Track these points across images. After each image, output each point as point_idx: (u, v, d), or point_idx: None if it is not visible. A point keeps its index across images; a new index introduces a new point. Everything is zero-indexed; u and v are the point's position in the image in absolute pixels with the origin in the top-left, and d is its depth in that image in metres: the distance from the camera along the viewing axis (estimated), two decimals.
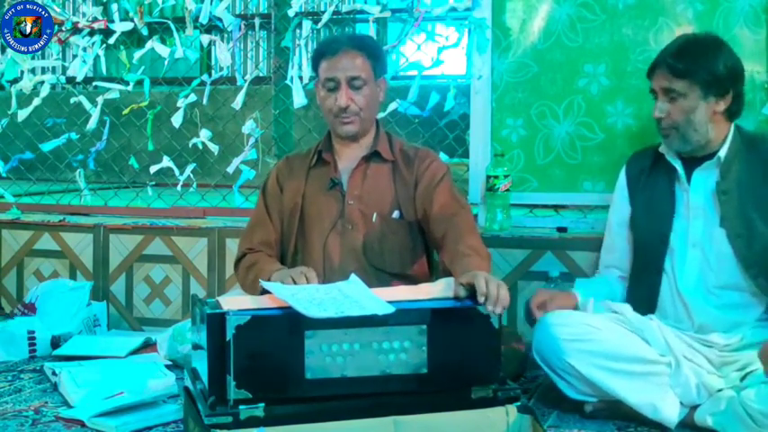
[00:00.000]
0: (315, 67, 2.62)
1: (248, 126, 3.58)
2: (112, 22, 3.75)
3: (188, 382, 2.17)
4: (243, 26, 3.69)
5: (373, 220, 2.56)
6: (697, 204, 2.39)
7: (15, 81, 3.88)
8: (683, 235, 2.40)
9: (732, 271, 2.34)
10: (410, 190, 2.58)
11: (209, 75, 3.73)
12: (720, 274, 2.36)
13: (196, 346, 2.11)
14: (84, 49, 3.80)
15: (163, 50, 3.66)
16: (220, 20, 3.59)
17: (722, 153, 2.36)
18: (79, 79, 3.87)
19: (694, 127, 2.34)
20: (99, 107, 3.79)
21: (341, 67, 2.53)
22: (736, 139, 2.39)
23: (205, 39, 3.66)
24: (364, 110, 2.56)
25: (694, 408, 2.30)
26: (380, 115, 2.72)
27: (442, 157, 3.20)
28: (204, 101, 3.68)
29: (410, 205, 2.58)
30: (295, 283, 2.22)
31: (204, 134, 3.65)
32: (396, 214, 2.57)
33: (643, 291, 2.46)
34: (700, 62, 2.32)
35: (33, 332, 3.12)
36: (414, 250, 2.60)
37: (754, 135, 2.47)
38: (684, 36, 2.49)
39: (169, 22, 3.67)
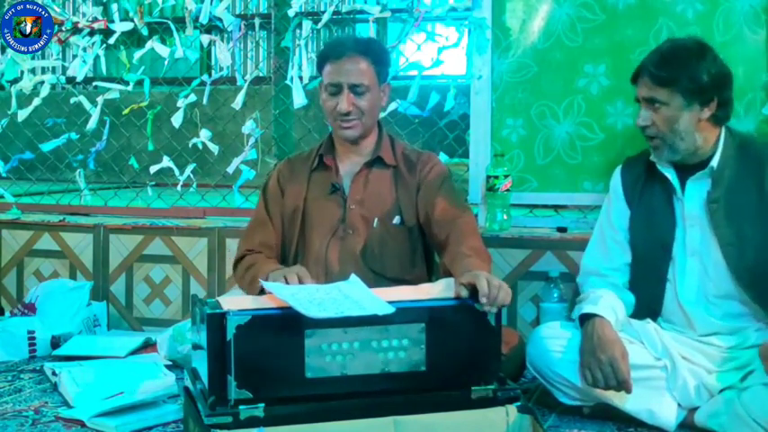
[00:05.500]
0: (319, 68, 2.60)
1: (248, 126, 3.58)
2: (112, 22, 3.75)
3: (188, 382, 2.17)
4: (243, 26, 3.68)
5: (374, 225, 2.56)
6: (692, 214, 2.34)
7: (15, 81, 3.88)
8: (682, 244, 2.36)
9: (729, 280, 2.30)
10: (412, 194, 2.58)
11: (209, 75, 3.73)
12: (719, 283, 2.32)
13: (196, 346, 2.11)
14: (84, 49, 3.80)
15: (163, 50, 3.66)
16: (220, 20, 3.58)
17: (714, 163, 2.31)
18: (79, 79, 3.87)
19: (680, 136, 2.29)
20: (99, 107, 3.79)
21: (344, 72, 2.50)
22: (727, 144, 2.33)
23: (205, 39, 3.66)
24: (366, 115, 2.54)
25: (693, 410, 2.29)
26: (380, 116, 2.71)
27: (442, 157, 3.20)
28: (204, 101, 3.68)
29: (411, 209, 2.57)
30: (287, 283, 2.22)
31: (204, 134, 3.64)
32: (396, 220, 2.57)
33: (646, 299, 2.41)
34: (682, 70, 2.26)
35: (33, 332, 3.12)
36: (413, 256, 2.60)
37: (744, 137, 2.40)
38: (667, 42, 2.41)
39: (169, 22, 3.67)
